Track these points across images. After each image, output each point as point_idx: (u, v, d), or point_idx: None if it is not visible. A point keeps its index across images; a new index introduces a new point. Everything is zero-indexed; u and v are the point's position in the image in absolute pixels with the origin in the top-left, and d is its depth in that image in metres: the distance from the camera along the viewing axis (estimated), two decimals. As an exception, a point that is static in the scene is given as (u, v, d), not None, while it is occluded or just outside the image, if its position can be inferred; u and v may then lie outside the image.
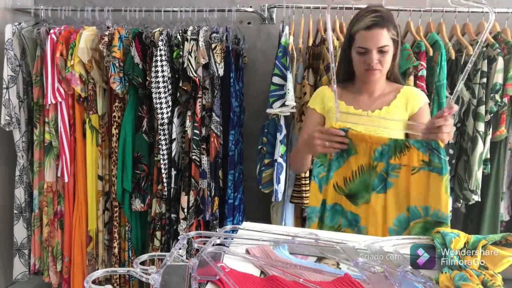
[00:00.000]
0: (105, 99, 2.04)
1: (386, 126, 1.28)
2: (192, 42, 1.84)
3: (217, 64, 1.84)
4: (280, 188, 1.82)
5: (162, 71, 1.84)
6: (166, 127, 1.93)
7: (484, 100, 1.72)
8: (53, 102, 1.95)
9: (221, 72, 1.86)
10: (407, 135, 1.33)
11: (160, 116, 1.89)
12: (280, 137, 1.80)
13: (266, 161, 1.86)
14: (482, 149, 1.75)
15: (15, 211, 2.14)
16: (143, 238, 2.11)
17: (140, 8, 1.98)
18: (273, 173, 1.82)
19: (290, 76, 1.74)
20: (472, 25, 1.79)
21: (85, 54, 1.91)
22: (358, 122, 1.27)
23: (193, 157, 1.92)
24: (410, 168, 1.18)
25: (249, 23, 2.12)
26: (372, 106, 1.36)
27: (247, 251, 0.88)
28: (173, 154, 1.95)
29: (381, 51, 1.26)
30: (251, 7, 2.01)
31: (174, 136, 1.93)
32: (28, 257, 2.19)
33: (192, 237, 0.94)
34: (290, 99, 1.72)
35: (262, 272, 0.81)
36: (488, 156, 1.79)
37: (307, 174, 1.85)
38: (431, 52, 1.72)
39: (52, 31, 1.93)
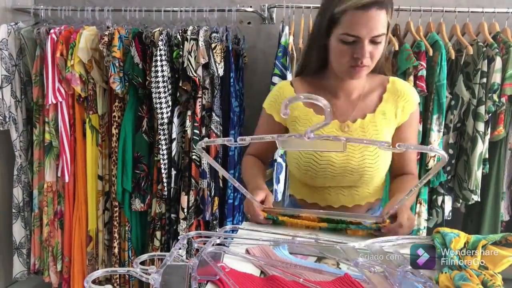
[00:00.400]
0: (105, 99, 2.04)
1: (369, 154, 0.98)
2: (192, 42, 1.83)
3: (217, 64, 1.84)
4: (279, 188, 1.82)
5: (162, 71, 1.84)
6: (166, 127, 1.93)
7: (484, 100, 1.72)
8: (54, 102, 1.95)
9: (221, 72, 1.85)
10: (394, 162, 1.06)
11: (160, 116, 1.89)
12: (280, 137, 1.79)
13: (266, 161, 1.86)
14: (482, 149, 1.75)
15: (13, 211, 2.13)
16: (143, 238, 2.11)
17: (140, 8, 1.97)
18: (272, 173, 1.82)
19: (290, 76, 1.74)
20: (472, 25, 1.79)
21: (85, 54, 1.91)
22: (329, 148, 0.87)
23: (193, 157, 1.92)
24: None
25: (249, 23, 2.12)
26: (351, 113, 1.03)
27: (247, 251, 0.88)
28: (173, 154, 1.94)
29: (374, 41, 0.93)
30: (251, 7, 2.01)
31: (174, 136, 1.93)
32: (27, 257, 2.19)
33: (192, 237, 0.94)
34: (290, 99, 1.71)
35: (262, 272, 0.81)
36: (487, 156, 1.79)
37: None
38: (431, 52, 1.72)
39: (52, 31, 1.93)
